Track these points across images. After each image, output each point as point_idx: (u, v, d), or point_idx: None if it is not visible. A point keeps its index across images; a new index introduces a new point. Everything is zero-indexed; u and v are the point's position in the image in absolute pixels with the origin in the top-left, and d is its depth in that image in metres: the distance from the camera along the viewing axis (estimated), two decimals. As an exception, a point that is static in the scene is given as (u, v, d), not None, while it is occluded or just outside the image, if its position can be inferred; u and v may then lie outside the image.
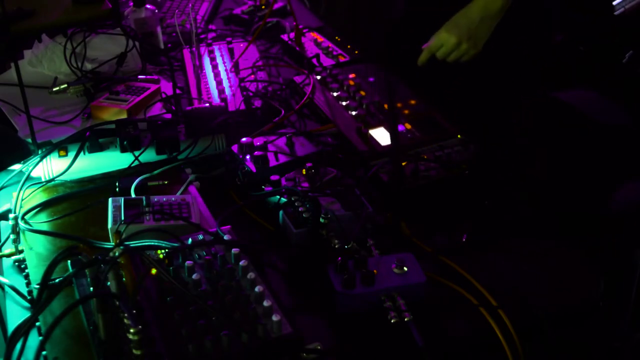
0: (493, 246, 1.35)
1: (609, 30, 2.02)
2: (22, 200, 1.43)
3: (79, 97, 1.86)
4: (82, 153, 1.51)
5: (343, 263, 1.20)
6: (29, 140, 1.58)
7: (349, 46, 2.18)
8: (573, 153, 1.55)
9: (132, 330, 0.93)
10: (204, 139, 1.58)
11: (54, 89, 1.86)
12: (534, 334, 1.15)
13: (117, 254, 1.03)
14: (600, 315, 1.19)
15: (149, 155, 1.54)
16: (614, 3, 2.01)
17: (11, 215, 1.34)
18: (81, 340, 1.07)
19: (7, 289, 1.22)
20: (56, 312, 1.00)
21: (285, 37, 2.24)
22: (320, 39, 2.23)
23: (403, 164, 1.49)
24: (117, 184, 1.43)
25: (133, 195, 1.40)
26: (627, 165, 1.49)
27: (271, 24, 2.36)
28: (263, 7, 2.44)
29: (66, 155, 1.52)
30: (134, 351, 0.95)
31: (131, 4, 2.11)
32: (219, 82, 1.92)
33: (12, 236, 1.32)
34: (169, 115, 1.67)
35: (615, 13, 2.01)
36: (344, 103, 1.81)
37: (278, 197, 1.40)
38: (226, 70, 1.99)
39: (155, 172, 1.49)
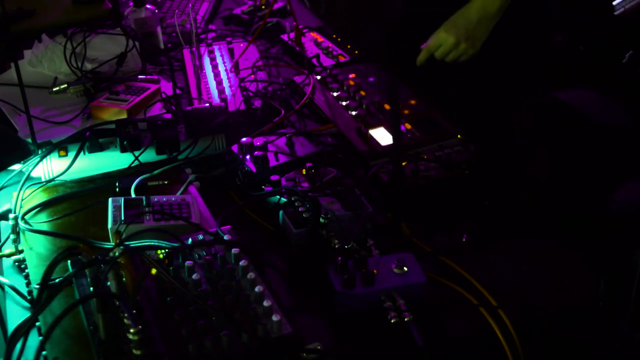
0: (493, 246, 1.35)
1: (609, 30, 2.02)
2: (22, 200, 1.43)
3: (79, 97, 1.86)
4: (82, 153, 1.51)
5: (343, 263, 1.20)
6: (29, 140, 1.58)
7: (349, 46, 2.18)
8: (573, 153, 1.54)
9: (132, 330, 0.93)
10: (204, 139, 1.58)
11: (54, 89, 1.86)
12: (534, 334, 1.15)
13: (117, 254, 1.03)
14: (600, 315, 1.19)
15: (149, 155, 1.54)
16: (614, 3, 2.01)
17: (11, 215, 1.34)
18: (81, 340, 1.07)
19: (7, 289, 1.22)
20: (56, 312, 1.00)
21: (285, 37, 2.25)
22: (320, 39, 2.23)
23: (403, 164, 1.49)
24: (117, 184, 1.43)
25: (133, 195, 1.40)
26: (627, 165, 1.49)
27: (271, 24, 2.36)
28: (263, 7, 2.44)
29: (66, 155, 1.52)
30: (134, 351, 0.95)
31: (131, 4, 2.11)
32: (219, 82, 1.92)
33: (12, 236, 1.32)
34: (169, 115, 1.67)
35: (615, 13, 2.01)
36: (344, 103, 1.81)
37: (278, 197, 1.40)
38: (226, 70, 1.99)
39: (155, 172, 1.49)
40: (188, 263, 1.16)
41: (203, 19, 2.39)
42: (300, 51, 2.15)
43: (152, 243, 1.19)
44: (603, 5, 2.03)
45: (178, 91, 1.84)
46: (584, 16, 2.06)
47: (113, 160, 1.54)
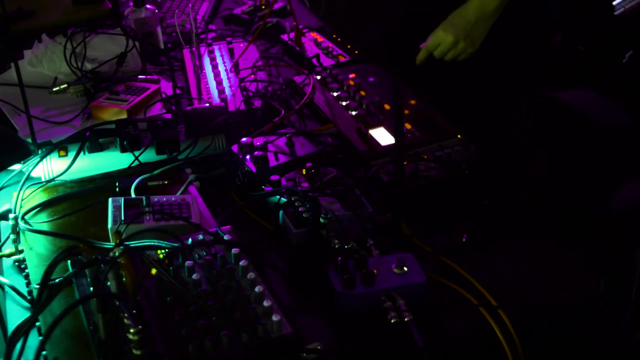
0: (493, 246, 1.35)
1: (609, 30, 2.02)
2: (22, 200, 1.43)
3: (79, 97, 1.86)
4: (82, 153, 1.51)
5: (343, 263, 1.20)
6: (29, 140, 1.58)
7: (349, 46, 2.18)
8: (573, 153, 1.54)
9: (132, 330, 0.93)
10: (204, 139, 1.58)
11: (54, 89, 1.86)
12: (534, 334, 1.15)
13: (117, 254, 1.03)
14: (600, 315, 1.19)
15: (149, 155, 1.54)
16: (614, 3, 2.01)
17: (11, 215, 1.34)
18: (81, 340, 1.07)
19: (7, 289, 1.22)
20: (56, 312, 1.00)
21: (285, 37, 2.25)
22: (320, 39, 2.23)
23: (404, 163, 1.49)
24: (117, 184, 1.43)
25: (133, 195, 1.40)
26: (627, 165, 1.49)
27: (271, 24, 2.36)
28: (263, 7, 2.44)
29: (66, 155, 1.52)
30: (134, 351, 0.95)
31: (131, 4, 2.11)
32: (219, 82, 1.92)
33: (12, 236, 1.32)
34: (169, 115, 1.67)
35: (615, 13, 2.01)
36: (344, 103, 1.81)
37: (278, 197, 1.40)
38: (226, 70, 1.99)
39: (155, 172, 1.49)
40: (188, 263, 1.16)
41: (203, 19, 2.39)
42: (300, 51, 2.15)
43: (152, 243, 1.19)
44: (603, 5, 2.03)
45: (178, 91, 1.84)
46: (584, 16, 2.06)
47: (113, 160, 1.54)
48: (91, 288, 1.07)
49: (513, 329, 1.14)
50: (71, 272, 1.15)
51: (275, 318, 1.05)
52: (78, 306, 1.09)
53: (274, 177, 1.44)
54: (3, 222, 1.40)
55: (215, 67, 2.00)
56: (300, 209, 1.33)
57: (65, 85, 1.86)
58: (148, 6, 2.12)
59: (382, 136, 1.65)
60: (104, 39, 2.01)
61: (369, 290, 1.17)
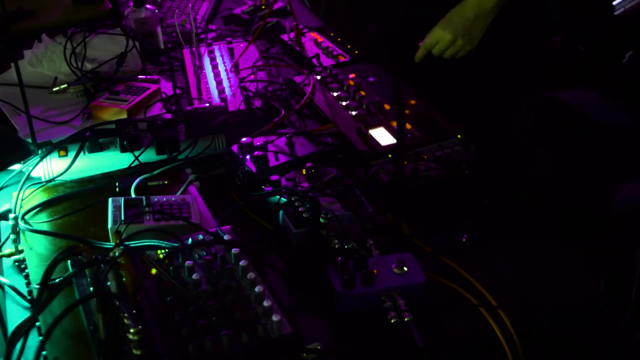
0: (493, 246, 1.35)
1: (609, 30, 2.02)
2: (22, 200, 1.43)
3: (79, 97, 1.86)
4: (82, 153, 1.51)
5: (343, 263, 1.20)
6: (29, 140, 1.58)
7: (349, 46, 2.18)
8: (573, 153, 1.54)
9: (132, 330, 0.93)
10: (204, 139, 1.58)
11: (54, 89, 1.86)
12: (534, 334, 1.15)
13: (117, 254, 1.03)
14: (600, 315, 1.19)
15: (149, 155, 1.54)
16: (614, 3, 2.01)
17: (11, 215, 1.34)
18: (81, 340, 1.07)
19: (7, 289, 1.22)
20: (56, 312, 1.00)
21: (285, 37, 2.25)
22: (320, 39, 2.23)
23: (404, 163, 1.49)
24: (117, 184, 1.43)
25: (133, 195, 1.40)
26: (627, 165, 1.49)
27: (271, 24, 2.36)
28: (263, 7, 2.44)
29: (66, 155, 1.52)
30: (134, 351, 0.95)
31: (131, 4, 2.11)
32: (219, 82, 1.92)
33: (12, 236, 1.32)
34: (169, 115, 1.67)
35: (615, 13, 2.01)
36: (344, 103, 1.81)
37: (278, 197, 1.40)
38: (226, 70, 1.99)
39: (155, 172, 1.49)
40: (188, 263, 1.16)
41: (203, 19, 2.39)
42: (300, 51, 2.15)
43: (152, 243, 1.19)
44: (603, 5, 2.03)
45: (178, 91, 1.84)
46: (584, 16, 2.06)
47: (113, 160, 1.54)
48: (91, 288, 1.07)
49: (513, 329, 1.14)
50: (71, 272, 1.15)
51: (275, 318, 1.05)
52: (78, 306, 1.09)
53: (274, 177, 1.44)
54: (3, 222, 1.40)
55: (215, 67, 2.00)
56: (300, 209, 1.33)
57: (65, 85, 1.86)
58: (148, 6, 2.12)
59: (382, 136, 1.65)
60: (104, 39, 2.01)
61: (369, 290, 1.17)
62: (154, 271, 1.11)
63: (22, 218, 1.37)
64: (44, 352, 1.05)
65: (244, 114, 1.77)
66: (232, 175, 1.53)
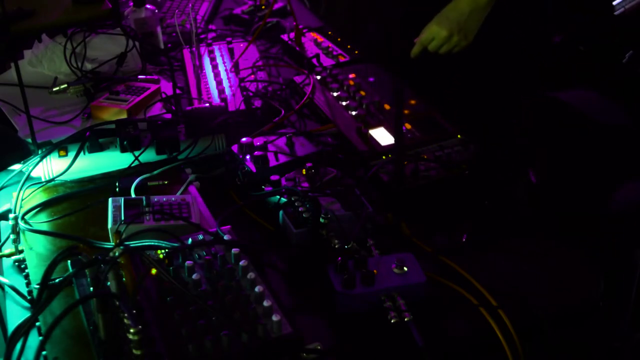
0: (493, 246, 1.35)
1: (609, 30, 2.02)
2: (22, 200, 1.43)
3: (79, 97, 1.86)
4: (82, 153, 1.51)
5: (343, 263, 1.20)
6: (29, 140, 1.58)
7: (349, 46, 2.18)
8: (573, 153, 1.54)
9: (132, 330, 0.93)
10: (204, 139, 1.58)
11: (54, 89, 1.86)
12: (534, 334, 1.15)
13: (117, 254, 1.03)
14: (600, 315, 1.19)
15: (149, 155, 1.54)
16: (614, 3, 2.01)
17: (11, 215, 1.34)
18: (81, 340, 1.07)
19: (7, 289, 1.22)
20: (56, 312, 1.00)
21: (285, 37, 2.24)
22: (320, 39, 2.23)
23: (404, 163, 1.49)
24: (117, 184, 1.43)
25: (133, 195, 1.40)
26: (627, 165, 1.49)
27: (271, 24, 2.36)
28: (263, 7, 2.44)
29: (66, 155, 1.52)
30: (134, 351, 0.95)
31: (131, 4, 2.11)
32: (219, 82, 1.92)
33: (12, 236, 1.32)
34: (169, 115, 1.67)
35: (615, 13, 2.01)
36: (344, 103, 1.81)
37: (278, 197, 1.40)
38: (226, 70, 1.99)
39: (155, 172, 1.49)
40: (188, 263, 1.16)
41: (203, 19, 2.39)
42: (300, 51, 2.15)
43: (152, 243, 1.19)
44: (603, 5, 2.03)
45: (178, 91, 1.84)
46: (584, 16, 2.06)
47: (113, 160, 1.54)
48: (91, 288, 1.07)
49: (513, 329, 1.14)
50: (71, 272, 1.15)
51: (275, 318, 1.05)
52: (78, 306, 1.09)
53: (274, 177, 1.44)
54: (3, 222, 1.40)
55: (215, 67, 2.00)
56: (300, 209, 1.33)
57: (65, 85, 1.86)
58: (148, 6, 2.12)
59: (382, 136, 1.65)
60: (104, 39, 2.01)
61: (369, 290, 1.17)
62: (154, 271, 1.11)
63: (22, 218, 1.37)
64: (44, 352, 1.05)
65: (244, 114, 1.77)
66: (232, 175, 1.53)
